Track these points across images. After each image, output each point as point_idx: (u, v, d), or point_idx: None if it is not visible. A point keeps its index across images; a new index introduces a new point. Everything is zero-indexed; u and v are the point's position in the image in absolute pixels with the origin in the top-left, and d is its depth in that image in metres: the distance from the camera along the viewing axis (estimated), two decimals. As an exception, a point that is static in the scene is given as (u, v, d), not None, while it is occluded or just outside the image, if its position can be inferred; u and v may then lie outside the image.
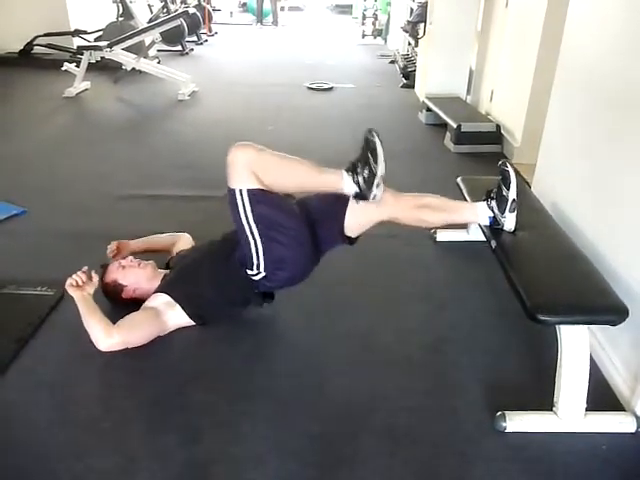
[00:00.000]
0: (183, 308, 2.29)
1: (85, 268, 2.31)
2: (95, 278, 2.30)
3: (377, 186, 2.09)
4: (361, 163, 2.11)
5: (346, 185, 2.13)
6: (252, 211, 2.13)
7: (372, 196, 2.11)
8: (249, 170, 2.09)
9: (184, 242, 2.73)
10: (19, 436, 1.88)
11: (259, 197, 2.12)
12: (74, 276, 2.26)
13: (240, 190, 2.12)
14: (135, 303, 2.35)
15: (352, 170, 2.12)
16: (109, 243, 2.63)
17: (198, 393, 2.07)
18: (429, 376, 2.19)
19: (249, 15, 13.51)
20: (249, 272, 2.27)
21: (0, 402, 2.01)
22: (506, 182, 2.25)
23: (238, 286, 2.32)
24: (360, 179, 2.10)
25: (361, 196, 2.14)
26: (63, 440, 1.86)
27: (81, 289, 2.24)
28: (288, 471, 1.77)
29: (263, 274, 2.26)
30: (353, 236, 2.34)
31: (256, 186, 2.11)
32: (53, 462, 1.78)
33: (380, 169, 2.07)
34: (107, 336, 2.14)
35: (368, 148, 2.10)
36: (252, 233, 2.17)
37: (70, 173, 4.07)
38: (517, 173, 2.27)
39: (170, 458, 1.79)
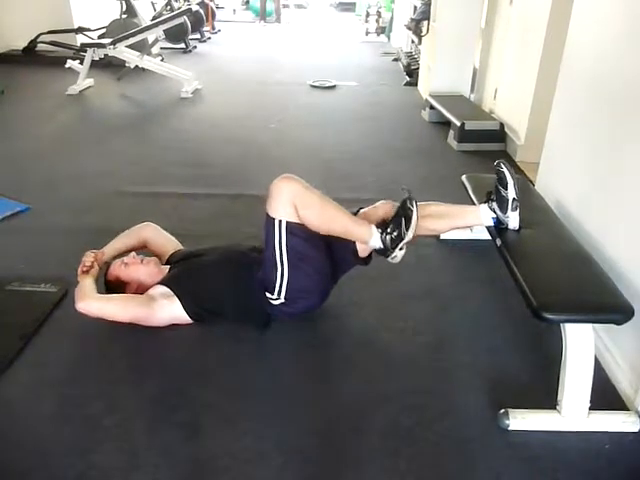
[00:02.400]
0: (183, 304, 2.29)
1: (88, 252, 2.44)
2: (100, 253, 2.46)
3: (400, 249, 2.19)
4: (393, 225, 2.20)
5: (373, 240, 2.23)
6: (287, 242, 2.21)
7: (393, 256, 2.21)
8: (292, 203, 2.17)
9: (153, 234, 2.68)
10: (22, 432, 1.88)
11: (296, 230, 2.20)
12: (85, 260, 2.40)
13: (280, 221, 2.19)
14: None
15: (382, 228, 2.22)
16: (112, 240, 2.62)
17: (201, 391, 2.07)
18: (432, 374, 2.19)
19: (252, 14, 13.45)
20: (269, 295, 2.31)
21: (4, 398, 2.02)
22: (502, 182, 2.28)
23: (253, 304, 2.35)
24: (387, 238, 2.20)
25: (382, 252, 2.24)
26: (66, 437, 1.86)
27: (88, 273, 2.37)
28: (291, 468, 1.77)
29: (282, 300, 2.30)
30: (365, 255, 2.38)
31: (294, 219, 2.18)
32: (56, 458, 1.78)
33: (409, 236, 2.16)
34: (85, 297, 2.25)
35: (404, 214, 2.18)
36: (281, 261, 2.23)
37: (74, 170, 4.07)
38: (517, 171, 2.27)
39: (173, 455, 1.80)
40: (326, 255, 2.32)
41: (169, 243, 2.67)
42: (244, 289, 2.34)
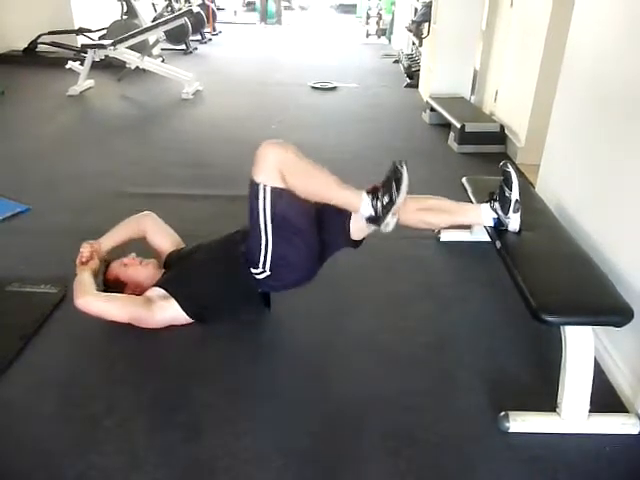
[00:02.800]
0: (178, 301, 2.29)
1: (84, 244, 2.46)
2: (96, 244, 2.47)
3: (392, 215, 2.12)
4: (384, 189, 2.13)
5: (363, 206, 2.15)
6: (271, 208, 2.14)
7: (385, 223, 2.14)
8: (277, 168, 2.10)
9: (152, 224, 2.67)
10: (22, 433, 1.88)
11: (281, 196, 2.13)
12: (83, 250, 2.43)
13: (264, 186, 2.12)
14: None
15: (373, 194, 2.14)
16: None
17: (201, 391, 2.07)
18: (432, 376, 2.19)
19: (255, 14, 13.42)
20: (253, 270, 2.27)
21: (3, 399, 2.01)
22: (508, 183, 2.26)
23: (239, 284, 2.32)
24: (379, 204, 2.12)
25: (374, 220, 2.16)
26: (66, 437, 1.86)
27: (86, 265, 2.39)
28: (290, 469, 1.77)
29: (268, 273, 2.26)
30: (358, 239, 2.35)
31: (280, 185, 2.12)
32: (56, 459, 1.78)
33: (400, 199, 2.10)
34: (84, 294, 2.24)
35: (394, 177, 2.12)
36: (265, 229, 2.17)
37: (74, 171, 4.07)
38: (520, 173, 2.27)
39: (173, 456, 1.80)
40: (314, 227, 2.26)
41: (168, 237, 2.66)
42: (230, 271, 2.32)
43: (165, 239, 2.64)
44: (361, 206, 2.15)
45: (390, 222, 2.13)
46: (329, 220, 2.29)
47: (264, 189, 2.12)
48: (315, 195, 2.19)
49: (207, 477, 1.74)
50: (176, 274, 2.40)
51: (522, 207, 2.28)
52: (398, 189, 2.09)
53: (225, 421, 1.94)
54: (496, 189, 2.31)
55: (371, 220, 2.17)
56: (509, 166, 2.28)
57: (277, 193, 2.13)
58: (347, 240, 2.33)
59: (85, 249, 2.43)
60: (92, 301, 2.24)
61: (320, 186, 2.16)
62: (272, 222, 2.16)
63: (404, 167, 2.10)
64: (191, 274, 2.37)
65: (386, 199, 2.11)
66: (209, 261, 2.38)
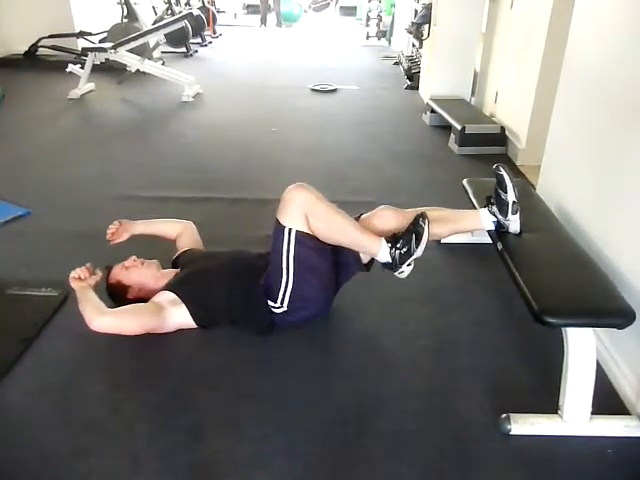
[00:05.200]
0: (189, 310, 2.30)
1: (88, 264, 2.38)
2: (98, 272, 2.39)
3: (408, 265, 2.20)
4: (403, 240, 2.19)
5: (382, 253, 2.22)
6: (295, 251, 2.21)
7: (400, 271, 2.21)
8: (303, 212, 2.17)
9: (189, 233, 2.75)
10: (23, 436, 1.88)
11: (306, 241, 2.21)
12: (77, 270, 2.34)
13: (290, 229, 2.19)
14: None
15: (392, 242, 2.21)
16: (113, 245, 2.63)
17: (202, 394, 2.07)
18: (433, 378, 2.18)
19: (260, 17, 13.44)
20: (271, 304, 2.31)
21: (4, 402, 2.01)
22: (502, 186, 2.29)
23: (255, 312, 2.34)
24: (397, 253, 2.19)
25: (390, 267, 2.23)
26: (67, 441, 1.85)
27: (82, 282, 2.32)
28: (292, 473, 1.76)
29: (285, 309, 2.30)
30: (366, 262, 2.39)
31: (304, 228, 2.19)
32: (57, 463, 1.77)
33: (418, 253, 2.17)
34: (99, 314, 2.19)
35: (415, 231, 2.18)
36: (287, 270, 2.23)
37: (74, 174, 4.07)
38: (518, 174, 2.27)
39: (174, 459, 1.79)
40: (332, 267, 2.32)
41: (196, 246, 2.71)
42: (248, 297, 2.34)
43: (193, 247, 2.69)
44: (379, 252, 2.22)
45: (405, 271, 2.21)
46: (341, 250, 2.32)
47: (289, 232, 2.19)
48: (335, 239, 2.25)
49: (208, 480, 1.74)
50: (189, 279, 2.39)
51: (523, 209, 2.29)
52: (418, 243, 2.15)
53: (227, 424, 1.93)
54: (493, 193, 2.32)
55: (386, 266, 2.25)
56: (501, 169, 2.30)
57: (302, 237, 2.20)
58: (359, 266, 2.39)
59: (84, 271, 2.35)
60: (107, 322, 2.19)
61: (342, 230, 2.24)
62: (294, 264, 2.22)
63: (426, 223, 2.16)
64: (204, 285, 2.36)
65: (404, 250, 2.18)
66: (228, 280, 2.37)
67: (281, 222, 2.21)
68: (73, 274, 2.34)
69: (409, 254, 2.17)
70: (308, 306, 2.34)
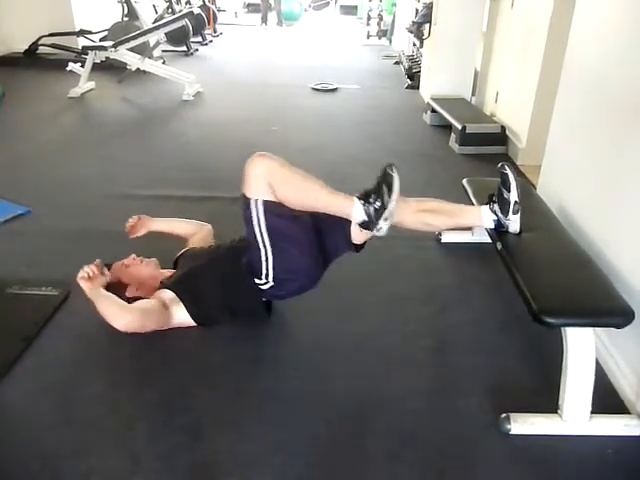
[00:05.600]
0: (187, 308, 2.30)
1: (98, 261, 2.35)
2: (107, 272, 2.34)
3: (385, 219, 2.10)
4: (375, 194, 2.11)
5: (355, 212, 2.13)
6: (265, 221, 2.15)
7: (377, 228, 2.11)
8: (267, 182, 2.10)
9: (204, 235, 2.75)
10: (23, 436, 1.88)
11: (273, 209, 2.14)
12: (86, 268, 2.29)
13: (256, 200, 2.13)
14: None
15: (364, 199, 2.12)
16: (113, 243, 2.63)
17: (202, 393, 2.07)
18: (433, 378, 2.18)
19: (265, 15, 13.42)
20: (257, 281, 2.28)
21: (5, 402, 2.01)
22: (506, 185, 2.26)
23: (244, 294, 2.33)
24: (371, 209, 2.10)
25: (367, 225, 2.14)
26: (67, 440, 1.86)
27: (91, 282, 2.26)
28: (292, 472, 1.77)
29: (271, 283, 2.27)
30: (359, 243, 2.34)
31: (271, 197, 2.12)
32: (57, 462, 1.78)
33: (392, 204, 2.08)
34: (125, 313, 2.17)
35: (385, 181, 2.10)
36: (263, 242, 2.18)
37: (75, 173, 4.07)
38: (519, 174, 2.26)
39: (175, 458, 1.80)
40: (312, 235, 2.25)
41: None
42: (236, 282, 2.32)
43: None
44: (353, 211, 2.14)
45: (383, 227, 2.11)
46: (329, 226, 2.28)
47: (256, 203, 2.13)
48: (307, 205, 2.19)
49: (209, 479, 1.74)
50: (184, 277, 2.40)
51: (523, 208, 2.28)
52: (390, 194, 2.08)
53: (227, 423, 1.94)
54: (495, 191, 2.31)
55: (364, 225, 2.15)
56: (506, 168, 2.28)
57: (269, 206, 2.13)
58: (349, 244, 2.33)
59: (93, 268, 2.33)
60: (134, 320, 2.19)
61: (311, 195, 2.16)
62: (268, 235, 2.17)
63: (394, 171, 2.09)
64: (197, 280, 2.37)
65: (378, 204, 2.09)
66: (215, 269, 2.37)
67: (246, 195, 2.14)
68: (82, 273, 2.29)
69: (383, 207, 2.08)
70: (294, 277, 2.28)
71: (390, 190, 2.08)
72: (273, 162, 2.12)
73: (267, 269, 2.23)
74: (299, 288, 2.33)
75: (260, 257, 2.21)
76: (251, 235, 2.19)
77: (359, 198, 2.13)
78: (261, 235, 2.17)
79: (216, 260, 2.41)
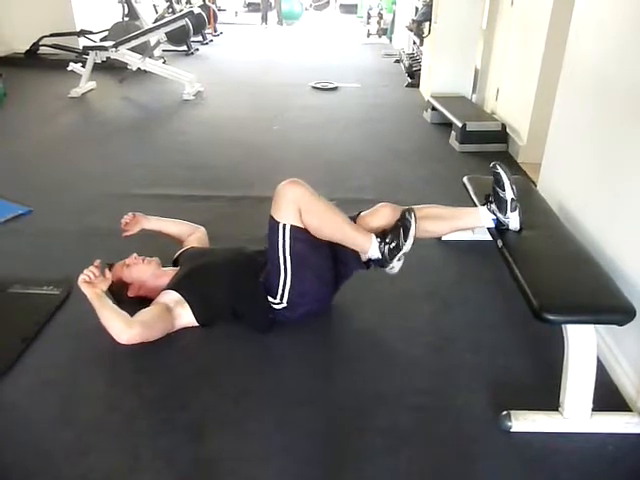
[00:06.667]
0: (193, 309, 2.30)
1: (97, 262, 2.28)
2: (108, 274, 2.29)
3: (398, 260, 2.22)
4: (392, 235, 2.22)
5: (372, 249, 2.24)
6: (290, 246, 2.21)
7: (390, 267, 2.24)
8: (296, 207, 2.17)
9: (199, 237, 2.75)
10: (24, 435, 1.88)
11: (300, 235, 2.21)
12: (86, 271, 2.22)
13: (284, 225, 2.19)
14: (141, 301, 2.36)
15: (381, 238, 2.24)
16: (115, 242, 2.63)
17: (203, 392, 2.07)
18: (434, 375, 2.18)
19: (261, 14, 13.43)
20: (271, 300, 2.31)
21: (5, 400, 2.02)
22: (499, 184, 2.30)
23: (256, 309, 2.35)
24: (386, 248, 2.22)
25: (380, 263, 2.26)
26: (68, 439, 1.86)
27: (93, 286, 2.20)
28: (293, 470, 1.77)
29: (285, 305, 2.30)
30: (366, 259, 2.38)
31: (298, 223, 2.19)
32: (58, 461, 1.78)
33: (407, 247, 2.18)
34: (128, 327, 2.14)
35: (402, 225, 2.20)
36: (285, 266, 2.24)
37: (76, 172, 4.08)
38: (518, 171, 2.27)
39: (175, 457, 1.80)
40: (330, 261, 2.32)
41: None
42: (248, 293, 2.34)
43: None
44: (370, 248, 2.24)
45: (395, 266, 2.23)
46: (341, 249, 2.32)
47: (284, 228, 2.19)
48: (327, 234, 2.25)
49: (210, 479, 1.74)
50: (190, 277, 2.38)
51: (523, 206, 2.29)
52: (406, 237, 2.17)
53: (228, 422, 1.94)
54: (491, 190, 2.33)
55: (377, 262, 2.26)
56: (498, 167, 2.30)
57: (296, 232, 2.20)
58: (360, 264, 2.39)
59: (94, 271, 2.24)
60: (137, 334, 2.15)
61: (334, 226, 2.25)
62: (291, 260, 2.23)
63: (413, 216, 2.18)
64: (207, 282, 2.37)
65: (393, 244, 2.20)
66: (230, 277, 2.37)
67: (275, 218, 2.21)
68: (83, 277, 2.21)
69: (398, 249, 2.19)
70: (307, 302, 2.34)
71: (406, 234, 2.17)
72: (304, 189, 2.20)
73: (283, 291, 2.28)
74: (310, 312, 2.39)
75: (279, 279, 2.26)
76: (274, 257, 2.24)
77: (376, 236, 2.24)
78: (284, 259, 2.23)
79: (231, 268, 2.41)
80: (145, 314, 2.24)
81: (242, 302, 2.35)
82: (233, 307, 2.36)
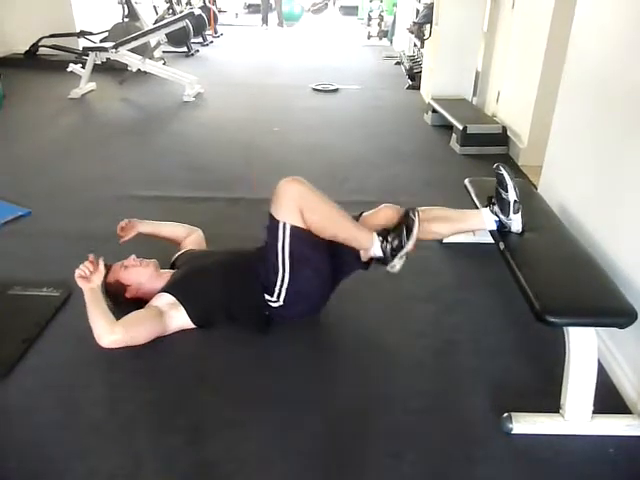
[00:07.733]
0: (187, 310, 2.29)
1: (92, 256, 2.31)
2: (101, 265, 2.30)
3: (400, 258, 2.19)
4: (394, 234, 2.20)
5: (374, 247, 2.22)
6: (290, 246, 2.19)
7: (392, 265, 2.20)
8: (298, 206, 2.15)
9: (195, 238, 2.75)
10: (24, 437, 1.88)
11: (300, 235, 2.19)
12: (81, 266, 2.27)
13: (284, 223, 2.18)
14: (138, 303, 2.36)
15: (384, 236, 2.21)
16: (114, 243, 2.63)
17: (203, 394, 2.07)
18: (436, 377, 2.18)
19: (260, 16, 13.44)
20: (268, 298, 2.30)
21: (5, 403, 2.01)
22: (502, 185, 2.29)
23: (252, 307, 2.34)
24: (388, 247, 2.20)
25: (382, 261, 2.24)
26: (68, 441, 1.85)
27: (89, 280, 2.24)
28: (294, 472, 1.76)
29: (281, 303, 2.30)
30: (367, 259, 2.37)
31: (299, 223, 2.17)
32: (58, 463, 1.77)
33: (409, 246, 2.16)
34: (109, 332, 2.15)
35: (405, 223, 2.18)
36: (283, 265, 2.22)
37: (75, 174, 4.07)
38: (519, 174, 2.27)
39: (176, 459, 1.79)
40: (328, 260, 2.31)
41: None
42: (245, 292, 2.34)
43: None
44: (372, 246, 2.22)
45: (397, 264, 2.20)
46: (343, 248, 2.30)
47: (284, 227, 2.18)
48: (328, 232, 2.23)
49: (210, 480, 1.74)
50: (185, 278, 2.39)
51: (525, 208, 2.29)
52: (409, 235, 2.16)
53: (227, 424, 1.93)
54: (494, 192, 2.32)
55: (379, 260, 2.25)
56: (501, 168, 2.30)
57: (297, 231, 2.18)
58: (359, 263, 2.37)
59: (88, 265, 2.28)
60: (118, 339, 2.15)
61: (335, 224, 2.22)
62: (290, 259, 2.21)
63: (416, 215, 2.17)
64: (202, 282, 2.36)
65: (395, 243, 2.18)
66: (225, 277, 2.37)
67: (275, 216, 2.19)
68: (79, 272, 2.26)
69: (400, 247, 2.17)
70: (304, 301, 2.33)
71: (409, 233, 2.16)
72: (305, 187, 2.18)
73: (280, 290, 2.26)
74: (306, 312, 2.40)
75: (276, 277, 2.25)
76: (272, 255, 2.23)
77: (378, 234, 2.22)
78: (283, 258, 2.21)
79: (225, 267, 2.40)
80: (130, 318, 2.22)
81: (237, 301, 2.34)
82: (228, 306, 2.34)
